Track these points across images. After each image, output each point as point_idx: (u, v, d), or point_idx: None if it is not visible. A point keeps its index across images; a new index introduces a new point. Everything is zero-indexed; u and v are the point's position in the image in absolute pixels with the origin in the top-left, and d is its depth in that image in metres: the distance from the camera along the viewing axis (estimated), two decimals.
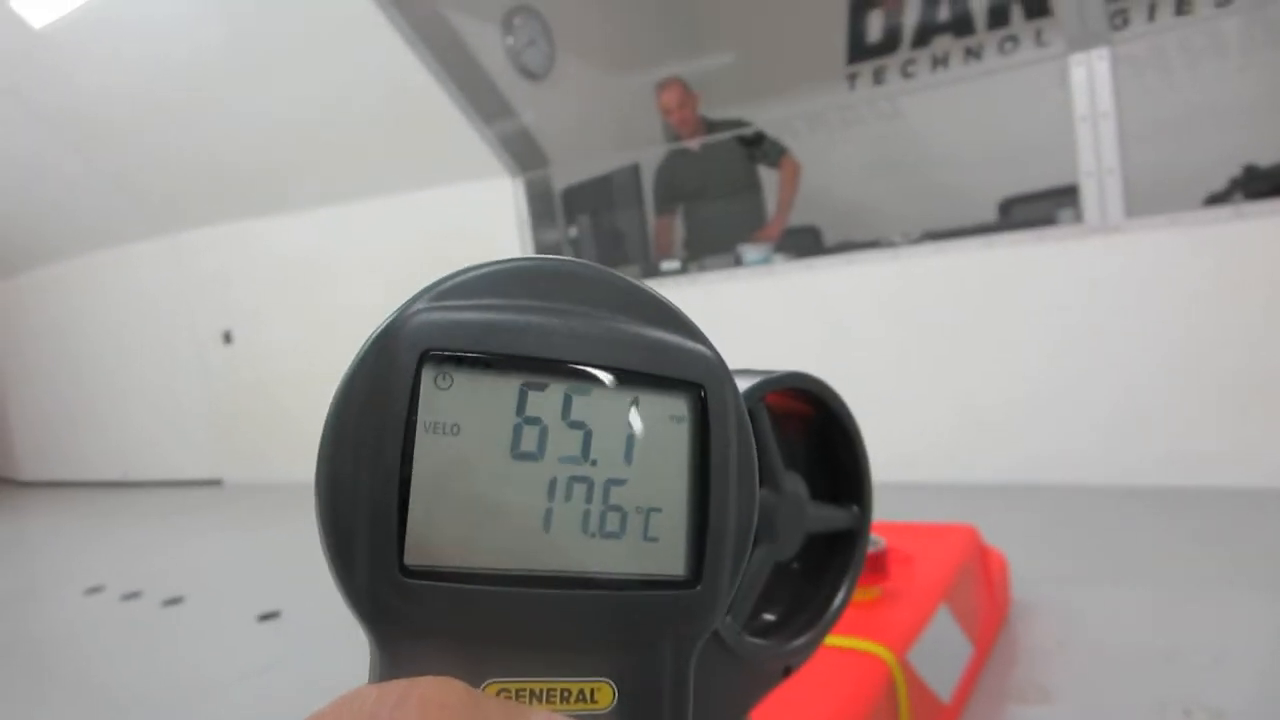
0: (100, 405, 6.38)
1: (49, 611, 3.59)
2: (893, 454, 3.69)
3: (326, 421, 0.25)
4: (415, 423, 0.24)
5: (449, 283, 0.26)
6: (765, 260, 4.03)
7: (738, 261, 4.10)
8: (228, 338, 5.66)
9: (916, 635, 1.64)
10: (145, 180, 5.23)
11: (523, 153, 4.56)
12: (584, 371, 0.26)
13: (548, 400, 0.25)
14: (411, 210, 4.81)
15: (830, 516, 0.39)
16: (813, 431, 0.40)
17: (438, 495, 0.24)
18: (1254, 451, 2.99)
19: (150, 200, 5.40)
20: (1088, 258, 3.23)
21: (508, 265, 0.26)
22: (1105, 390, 3.26)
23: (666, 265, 4.30)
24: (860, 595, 1.72)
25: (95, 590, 3.62)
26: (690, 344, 0.27)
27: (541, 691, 0.25)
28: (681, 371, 0.27)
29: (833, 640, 1.45)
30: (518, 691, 0.25)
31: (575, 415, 0.26)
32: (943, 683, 1.72)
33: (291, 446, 5.28)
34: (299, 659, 2.52)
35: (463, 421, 0.25)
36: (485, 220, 4.64)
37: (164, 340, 5.93)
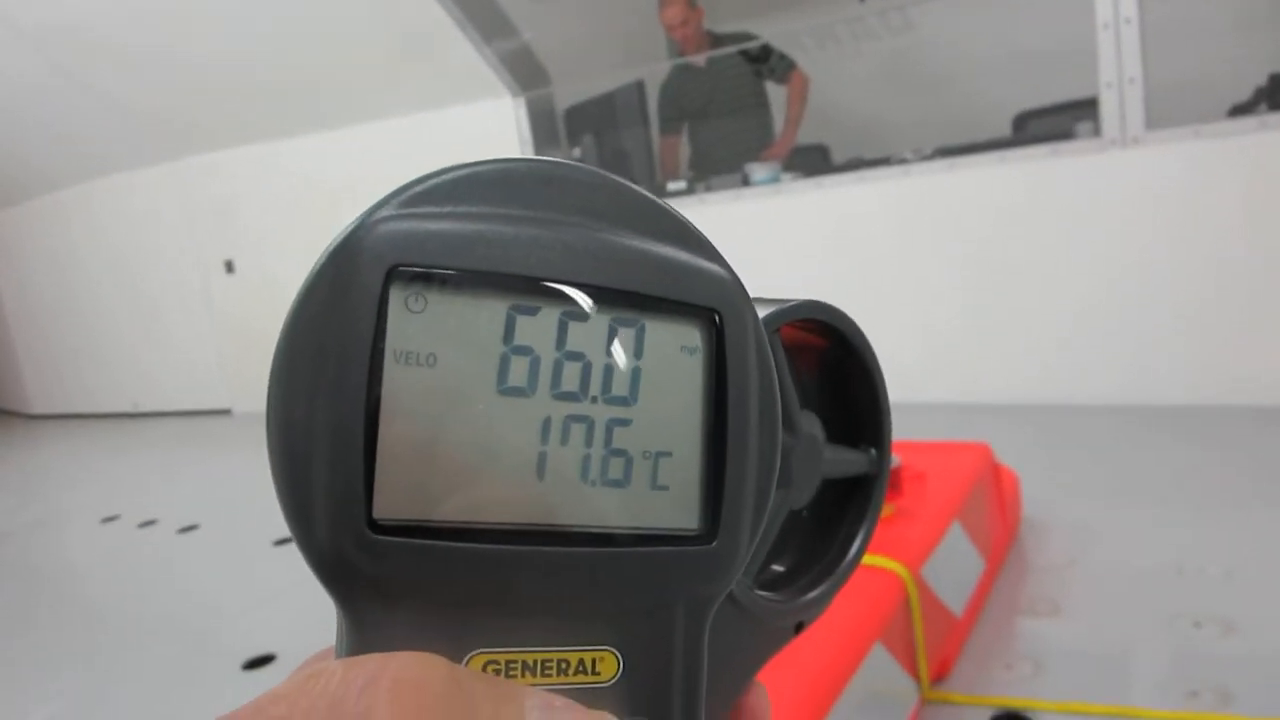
0: (106, 337, 6.38)
1: (68, 540, 3.64)
2: (906, 373, 3.69)
3: (277, 351, 0.21)
4: (383, 352, 0.20)
5: (422, 185, 0.22)
6: (773, 179, 3.96)
7: (745, 181, 4.04)
8: (230, 267, 5.62)
9: (930, 551, 1.65)
10: (140, 105, 5.13)
11: (524, 71, 4.45)
12: (583, 293, 0.22)
13: (540, 326, 0.22)
14: (412, 133, 4.72)
15: (847, 460, 0.36)
16: (827, 367, 0.36)
17: (411, 437, 0.21)
18: (1276, 368, 2.97)
19: (145, 126, 5.31)
20: (1106, 172, 3.16)
21: (492, 166, 0.23)
22: (1123, 308, 3.23)
23: (673, 186, 4.23)
24: None
25: (111, 519, 3.66)
26: (704, 263, 0.24)
27: (535, 663, 0.22)
28: (694, 295, 0.23)
29: None
30: (508, 663, 0.22)
31: (572, 344, 0.22)
32: (955, 597, 1.74)
33: None
34: (317, 581, 2.55)
35: (440, 351, 0.21)
36: (487, 142, 4.56)
37: (167, 271, 5.89)
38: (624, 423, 0.23)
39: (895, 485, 1.73)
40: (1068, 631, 1.79)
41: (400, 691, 0.17)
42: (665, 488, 0.23)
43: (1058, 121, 3.48)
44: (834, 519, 0.37)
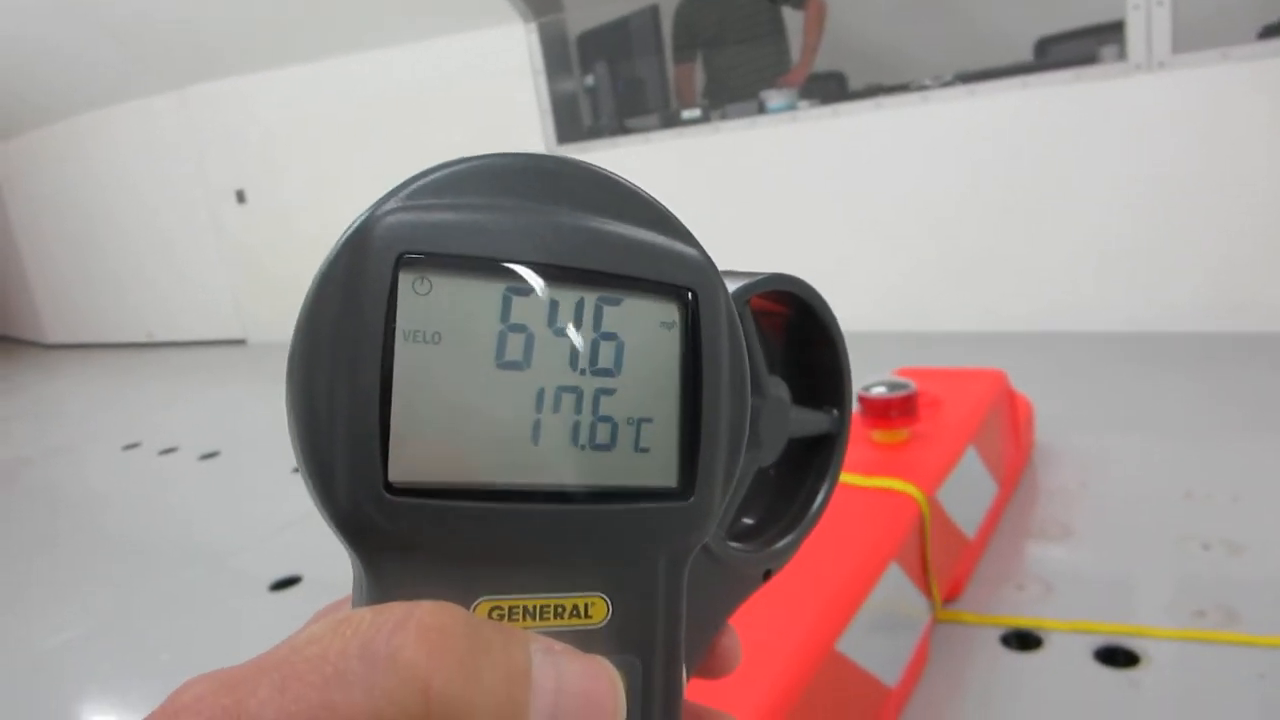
0: (120, 267, 6.39)
1: (91, 466, 3.71)
2: (922, 301, 3.69)
3: (296, 332, 0.23)
4: (394, 332, 0.22)
5: (421, 181, 0.24)
6: (790, 107, 3.90)
7: (761, 109, 3.97)
8: (241, 197, 5.60)
9: (945, 475, 1.67)
10: (145, 31, 5.05)
11: None
12: (570, 276, 0.24)
13: (533, 306, 0.24)
14: (421, 60, 4.64)
15: (811, 420, 0.38)
16: (793, 333, 0.38)
17: (420, 408, 0.23)
18: None
19: (151, 53, 5.23)
20: (1131, 97, 3.10)
21: (484, 161, 0.24)
22: (1142, 235, 3.20)
23: (687, 114, 4.17)
24: (890, 437, 1.74)
25: (132, 446, 3.72)
26: (680, 246, 0.26)
27: (535, 608, 0.25)
28: (671, 275, 0.26)
29: (866, 480, 1.48)
30: (510, 609, 0.24)
31: (562, 321, 0.24)
32: (968, 520, 1.77)
33: None
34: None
35: (444, 329, 0.23)
36: (497, 70, 4.48)
37: (179, 200, 5.87)
38: (609, 392, 0.25)
39: (911, 410, 1.74)
40: (1078, 554, 1.82)
41: (425, 634, 0.20)
42: (647, 450, 0.25)
43: (1081, 46, 3.41)
44: (799, 475, 0.39)
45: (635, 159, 4.19)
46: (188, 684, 0.19)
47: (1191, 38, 3.01)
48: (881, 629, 1.37)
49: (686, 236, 0.26)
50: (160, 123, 5.68)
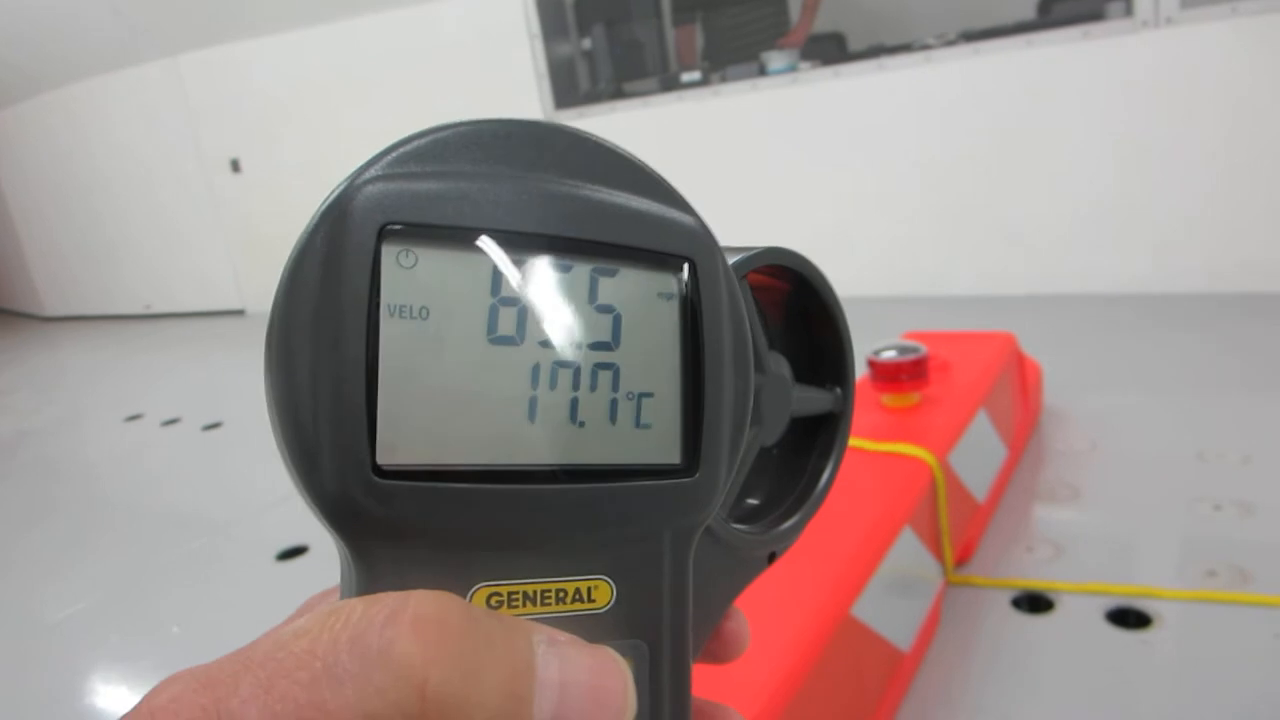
0: (116, 238, 6.33)
1: (94, 438, 3.70)
2: (928, 265, 3.67)
3: (274, 310, 0.21)
4: (378, 307, 0.21)
5: (403, 148, 0.23)
6: (791, 69, 3.85)
7: (761, 71, 3.92)
8: (236, 166, 5.54)
9: (956, 439, 1.66)
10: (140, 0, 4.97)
11: None
12: (563, 246, 0.23)
13: (525, 278, 0.23)
14: (414, 24, 4.57)
15: (814, 399, 0.37)
16: (792, 310, 0.37)
17: (408, 386, 0.22)
18: None
19: (146, 21, 5.15)
20: (1138, 54, 3.06)
21: (470, 127, 0.23)
22: (1150, 195, 3.17)
23: (687, 77, 4.11)
24: (901, 401, 1.73)
25: (135, 417, 3.71)
26: (675, 214, 0.25)
27: (535, 593, 0.23)
28: (668, 244, 0.25)
29: (877, 445, 1.46)
30: (510, 594, 0.23)
31: (555, 294, 0.23)
32: (979, 483, 1.76)
33: None
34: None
35: (431, 303, 0.22)
36: (493, 33, 4.41)
37: (173, 171, 5.81)
38: (608, 366, 0.24)
39: (922, 374, 1.73)
40: (1087, 516, 1.82)
41: (421, 626, 0.18)
42: (649, 426, 0.25)
43: (1086, 2, 3.35)
44: (802, 455, 0.38)
45: (633, 123, 4.14)
46: (164, 683, 0.18)
47: None
48: (895, 593, 1.37)
49: (682, 204, 0.25)
50: (154, 91, 5.60)
